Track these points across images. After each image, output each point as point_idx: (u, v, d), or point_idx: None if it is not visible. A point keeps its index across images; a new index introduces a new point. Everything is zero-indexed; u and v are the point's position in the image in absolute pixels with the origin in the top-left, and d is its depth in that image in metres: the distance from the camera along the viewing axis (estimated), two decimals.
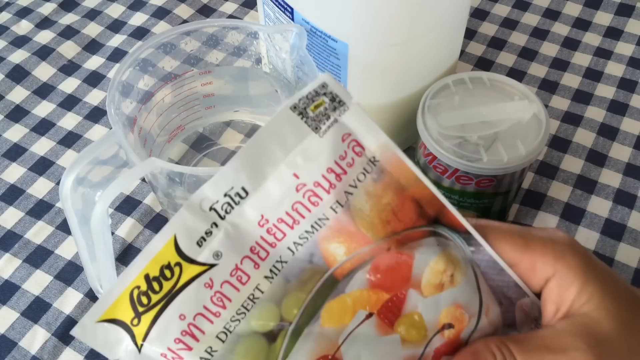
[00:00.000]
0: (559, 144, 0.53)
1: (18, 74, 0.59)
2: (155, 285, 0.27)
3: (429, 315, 0.29)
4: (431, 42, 0.44)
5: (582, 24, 0.61)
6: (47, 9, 0.64)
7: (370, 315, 0.29)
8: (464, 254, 0.30)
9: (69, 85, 0.58)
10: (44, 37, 0.62)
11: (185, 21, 0.63)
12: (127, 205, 0.50)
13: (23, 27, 0.63)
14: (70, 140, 0.54)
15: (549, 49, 0.59)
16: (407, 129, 0.48)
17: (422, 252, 0.29)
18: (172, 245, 0.27)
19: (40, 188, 0.51)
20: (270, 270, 0.28)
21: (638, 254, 0.47)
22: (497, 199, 0.43)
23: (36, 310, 0.45)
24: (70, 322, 0.44)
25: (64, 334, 0.44)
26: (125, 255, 0.47)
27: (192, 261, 0.27)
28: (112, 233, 0.48)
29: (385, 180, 0.28)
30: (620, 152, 0.52)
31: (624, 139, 0.53)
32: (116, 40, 0.62)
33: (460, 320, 0.29)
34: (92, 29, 0.63)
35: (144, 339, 0.27)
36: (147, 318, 0.27)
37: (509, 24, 0.62)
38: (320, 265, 0.29)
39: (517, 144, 0.40)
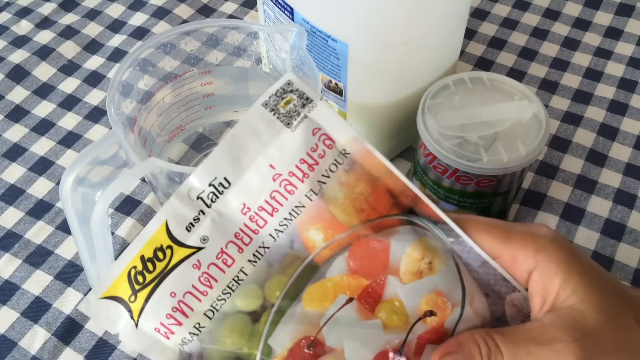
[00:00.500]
0: (559, 144, 0.53)
1: (18, 74, 0.59)
2: (150, 266, 0.30)
3: (410, 302, 0.31)
4: (431, 42, 0.44)
5: (582, 24, 0.61)
6: (47, 9, 0.64)
7: (350, 299, 0.31)
8: (442, 243, 0.31)
9: (69, 85, 0.58)
10: (44, 37, 0.62)
11: (185, 21, 0.63)
12: (127, 205, 0.50)
13: (23, 27, 0.63)
14: (70, 140, 0.54)
15: (549, 49, 0.59)
16: (407, 129, 0.48)
17: (397, 239, 0.31)
18: (164, 230, 0.30)
19: (40, 188, 0.51)
20: (254, 255, 0.31)
21: (638, 254, 0.47)
22: (497, 199, 0.43)
23: (36, 310, 0.45)
24: (71, 322, 0.44)
25: (64, 334, 0.44)
26: None
27: (181, 244, 0.30)
28: (112, 233, 0.48)
29: (357, 171, 0.31)
30: (620, 152, 0.52)
31: (624, 139, 0.53)
32: (116, 40, 0.62)
33: (443, 308, 0.30)
34: (92, 29, 0.63)
35: (139, 315, 0.30)
36: (142, 295, 0.30)
37: (509, 24, 0.62)
38: (301, 251, 0.31)
39: (517, 144, 0.40)
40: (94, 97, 0.57)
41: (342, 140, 0.31)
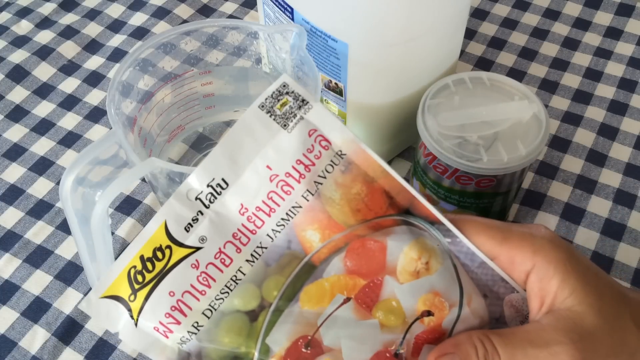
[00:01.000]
0: (559, 144, 0.53)
1: (18, 74, 0.59)
2: (149, 265, 0.30)
3: (407, 302, 0.31)
4: (431, 42, 0.44)
5: (582, 24, 0.61)
6: (47, 9, 0.64)
7: (348, 299, 0.31)
8: (440, 244, 0.31)
9: (69, 85, 0.58)
10: (44, 37, 0.62)
11: (185, 21, 0.63)
12: (127, 205, 0.50)
13: (23, 27, 0.63)
14: (70, 140, 0.54)
15: (549, 49, 0.59)
16: (407, 129, 0.48)
17: (394, 239, 0.31)
18: (163, 230, 0.30)
19: (40, 188, 0.51)
20: (252, 255, 0.31)
21: (638, 254, 0.47)
22: (497, 199, 0.43)
23: (36, 310, 0.45)
24: (71, 322, 0.44)
25: (64, 334, 0.44)
26: None
27: (180, 244, 0.30)
28: (112, 233, 0.48)
29: (353, 172, 0.31)
30: (620, 152, 0.52)
31: (624, 139, 0.53)
32: (116, 40, 0.62)
33: (440, 309, 0.31)
34: (92, 29, 0.63)
35: (139, 314, 0.30)
36: (142, 294, 0.30)
37: (509, 24, 0.62)
38: (298, 251, 0.31)
39: (517, 144, 0.40)
40: (94, 97, 0.57)
41: (338, 141, 0.31)
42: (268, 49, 0.46)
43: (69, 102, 0.57)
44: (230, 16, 0.64)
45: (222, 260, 0.31)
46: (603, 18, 0.62)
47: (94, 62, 0.60)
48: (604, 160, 0.52)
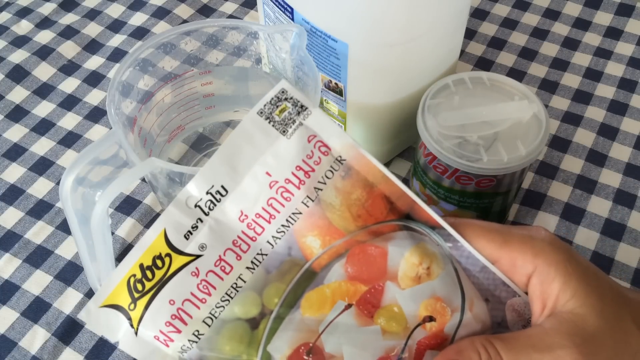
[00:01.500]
0: (559, 144, 0.53)
1: (18, 74, 0.59)
2: (149, 274, 0.30)
3: (408, 307, 0.31)
4: (431, 42, 0.44)
5: (582, 24, 0.61)
6: (47, 9, 0.64)
7: (349, 306, 0.31)
8: (441, 249, 0.31)
9: (69, 85, 0.58)
10: (44, 37, 0.62)
11: (185, 21, 0.63)
12: (127, 205, 0.50)
13: (23, 27, 0.63)
14: (70, 140, 0.54)
15: (549, 49, 0.59)
16: (407, 129, 0.48)
17: (395, 244, 0.31)
18: (163, 238, 0.30)
19: (40, 188, 0.51)
20: (252, 262, 0.31)
21: (638, 254, 0.47)
22: (497, 199, 0.43)
23: (36, 310, 0.45)
24: (71, 322, 0.44)
25: (64, 334, 0.44)
26: (125, 255, 0.47)
27: (180, 252, 0.30)
28: (112, 233, 0.48)
29: (353, 178, 0.31)
30: (620, 152, 0.52)
31: (624, 139, 0.53)
32: (116, 40, 0.62)
33: (442, 314, 0.30)
34: (92, 29, 0.63)
35: (139, 323, 0.30)
36: (141, 303, 0.30)
37: (509, 24, 0.62)
38: (298, 258, 0.31)
39: (517, 144, 0.40)
40: (94, 97, 0.57)
41: (337, 147, 0.31)
42: (268, 49, 0.46)
43: (69, 102, 0.57)
44: (230, 16, 0.64)
45: (223, 268, 0.30)
46: (603, 18, 0.62)
47: (94, 62, 0.60)
48: (604, 160, 0.52)
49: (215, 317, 0.30)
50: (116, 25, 0.63)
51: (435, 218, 0.31)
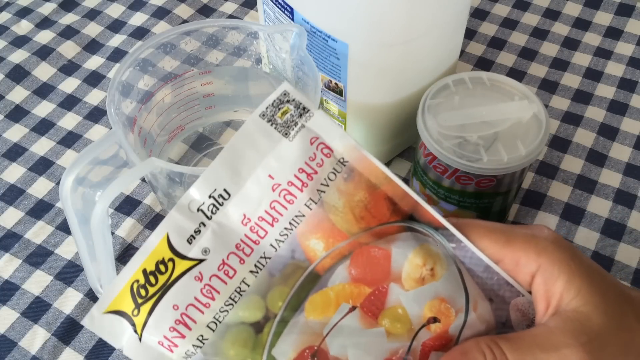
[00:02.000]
0: (559, 144, 0.53)
1: (18, 74, 0.59)
2: (152, 279, 0.30)
3: (413, 309, 0.30)
4: (431, 42, 0.44)
5: (582, 24, 0.61)
6: (47, 9, 0.64)
7: (353, 308, 0.31)
8: (444, 249, 0.31)
9: (69, 85, 0.58)
10: (44, 37, 0.62)
11: (185, 21, 0.63)
12: (127, 205, 0.50)
13: (23, 27, 0.63)
14: (70, 140, 0.54)
15: (549, 49, 0.59)
16: (407, 129, 0.48)
17: (399, 246, 0.31)
18: (166, 243, 0.30)
19: (40, 188, 0.51)
20: (255, 266, 0.31)
21: (638, 254, 0.47)
22: (497, 199, 0.43)
23: (36, 310, 0.45)
24: (70, 322, 0.44)
25: (64, 334, 0.44)
26: (125, 255, 0.47)
27: (183, 257, 0.30)
28: (112, 233, 0.48)
29: (356, 179, 0.31)
30: (620, 152, 0.52)
31: (624, 139, 0.53)
32: (116, 40, 0.62)
33: (447, 315, 0.30)
34: (92, 29, 0.63)
35: (143, 328, 0.30)
36: (145, 309, 0.30)
37: (509, 24, 0.62)
38: (302, 261, 0.31)
39: (517, 144, 0.40)
40: (94, 97, 0.57)
41: (340, 149, 0.31)
42: (268, 49, 0.46)
43: (69, 102, 0.57)
44: (230, 16, 0.64)
45: (226, 272, 0.30)
46: (603, 18, 0.62)
47: (94, 62, 0.60)
48: (604, 160, 0.52)
49: (220, 322, 0.30)
50: (116, 25, 0.63)
51: (438, 219, 0.31)
